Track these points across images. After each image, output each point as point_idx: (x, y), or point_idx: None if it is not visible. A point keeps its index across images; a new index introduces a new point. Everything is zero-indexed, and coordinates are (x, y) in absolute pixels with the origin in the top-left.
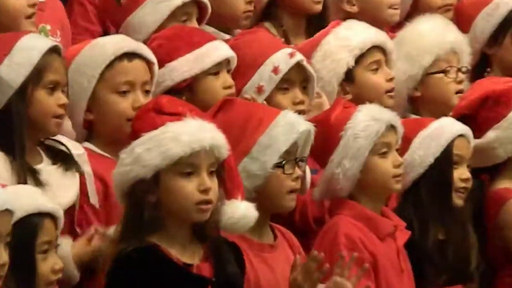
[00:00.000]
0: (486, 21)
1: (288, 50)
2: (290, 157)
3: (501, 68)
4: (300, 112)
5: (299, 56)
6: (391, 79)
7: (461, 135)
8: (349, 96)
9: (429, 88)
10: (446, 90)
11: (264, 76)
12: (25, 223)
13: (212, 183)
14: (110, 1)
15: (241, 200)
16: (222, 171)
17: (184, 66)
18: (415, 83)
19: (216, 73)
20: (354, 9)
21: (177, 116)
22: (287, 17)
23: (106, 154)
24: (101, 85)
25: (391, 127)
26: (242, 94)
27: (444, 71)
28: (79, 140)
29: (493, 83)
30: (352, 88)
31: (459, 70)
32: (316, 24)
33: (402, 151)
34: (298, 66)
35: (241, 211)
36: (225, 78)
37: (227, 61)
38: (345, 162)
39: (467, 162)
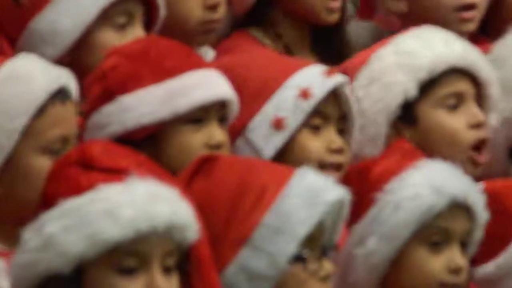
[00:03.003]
0: None
1: (320, 67)
2: (315, 244)
3: None
4: (338, 167)
5: (339, 77)
6: (478, 125)
7: None
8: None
9: None
10: None
11: (285, 104)
12: None
13: (168, 285)
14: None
15: None
16: (187, 264)
17: (145, 105)
18: None
19: (197, 121)
20: (401, 7)
21: (116, 174)
22: (288, 25)
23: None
24: (23, 142)
25: (460, 207)
26: (246, 133)
27: None
28: None
29: None
30: (413, 133)
31: None
32: (321, 38)
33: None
34: (335, 94)
35: None
36: (212, 130)
37: (221, 105)
38: (370, 241)
39: None
